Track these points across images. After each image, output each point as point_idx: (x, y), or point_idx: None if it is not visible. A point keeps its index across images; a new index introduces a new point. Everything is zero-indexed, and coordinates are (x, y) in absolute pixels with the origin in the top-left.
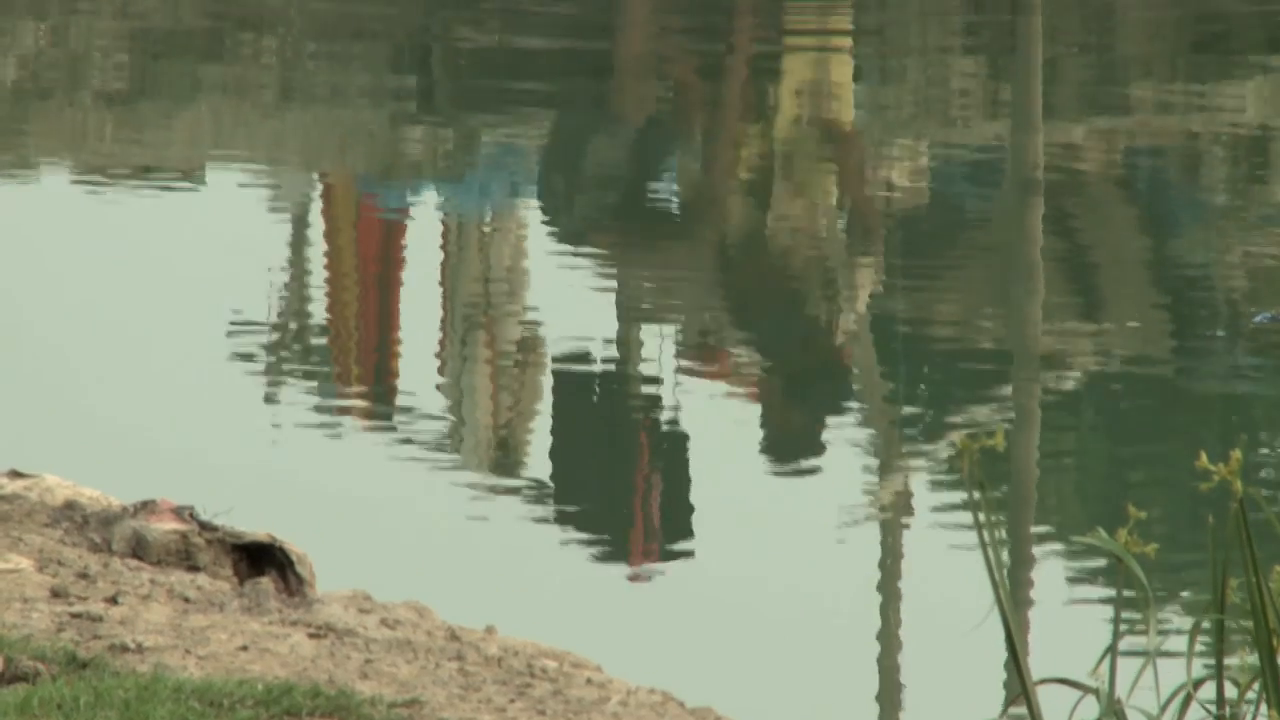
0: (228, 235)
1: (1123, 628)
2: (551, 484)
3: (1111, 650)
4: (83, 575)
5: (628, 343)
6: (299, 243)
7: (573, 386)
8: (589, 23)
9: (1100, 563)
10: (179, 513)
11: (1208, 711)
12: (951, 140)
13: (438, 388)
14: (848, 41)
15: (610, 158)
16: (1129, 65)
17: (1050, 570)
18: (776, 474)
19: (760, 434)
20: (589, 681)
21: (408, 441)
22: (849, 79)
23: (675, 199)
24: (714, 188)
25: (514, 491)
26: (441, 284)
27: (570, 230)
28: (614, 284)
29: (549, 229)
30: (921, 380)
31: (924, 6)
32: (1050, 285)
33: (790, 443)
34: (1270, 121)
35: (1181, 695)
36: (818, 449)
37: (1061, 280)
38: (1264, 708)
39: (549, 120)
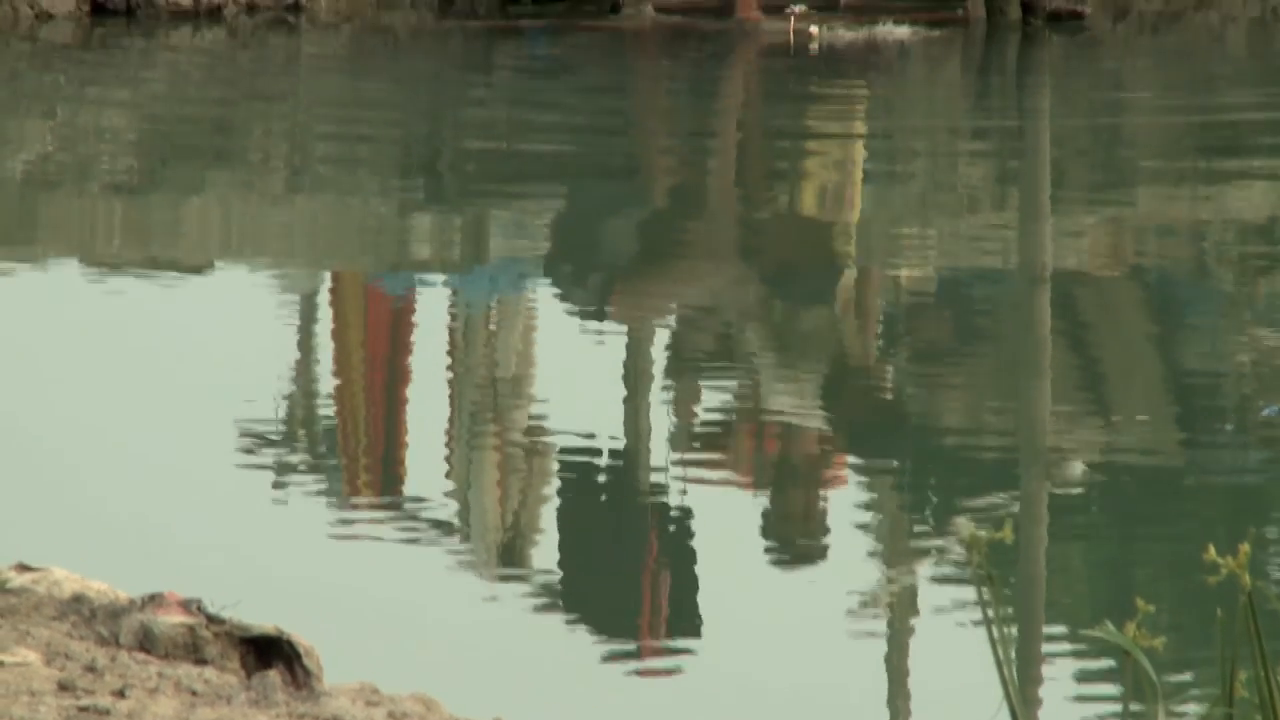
0: (236, 327)
1: None
2: (559, 574)
3: None
4: (90, 668)
5: (636, 431)
6: (306, 334)
7: (581, 475)
8: (600, 127)
9: (1109, 656)
10: (186, 606)
11: None
12: (959, 233)
13: (445, 477)
14: (858, 144)
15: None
16: (1137, 164)
17: (1059, 663)
18: (783, 564)
19: (767, 524)
20: None
21: (414, 532)
22: (858, 180)
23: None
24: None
25: (522, 581)
26: (449, 374)
27: (582, 303)
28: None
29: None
30: (929, 471)
31: (932, 109)
32: (1058, 377)
33: (797, 533)
34: (1279, 213)
35: None
36: (825, 540)
37: (1069, 372)
38: None
39: (559, 210)
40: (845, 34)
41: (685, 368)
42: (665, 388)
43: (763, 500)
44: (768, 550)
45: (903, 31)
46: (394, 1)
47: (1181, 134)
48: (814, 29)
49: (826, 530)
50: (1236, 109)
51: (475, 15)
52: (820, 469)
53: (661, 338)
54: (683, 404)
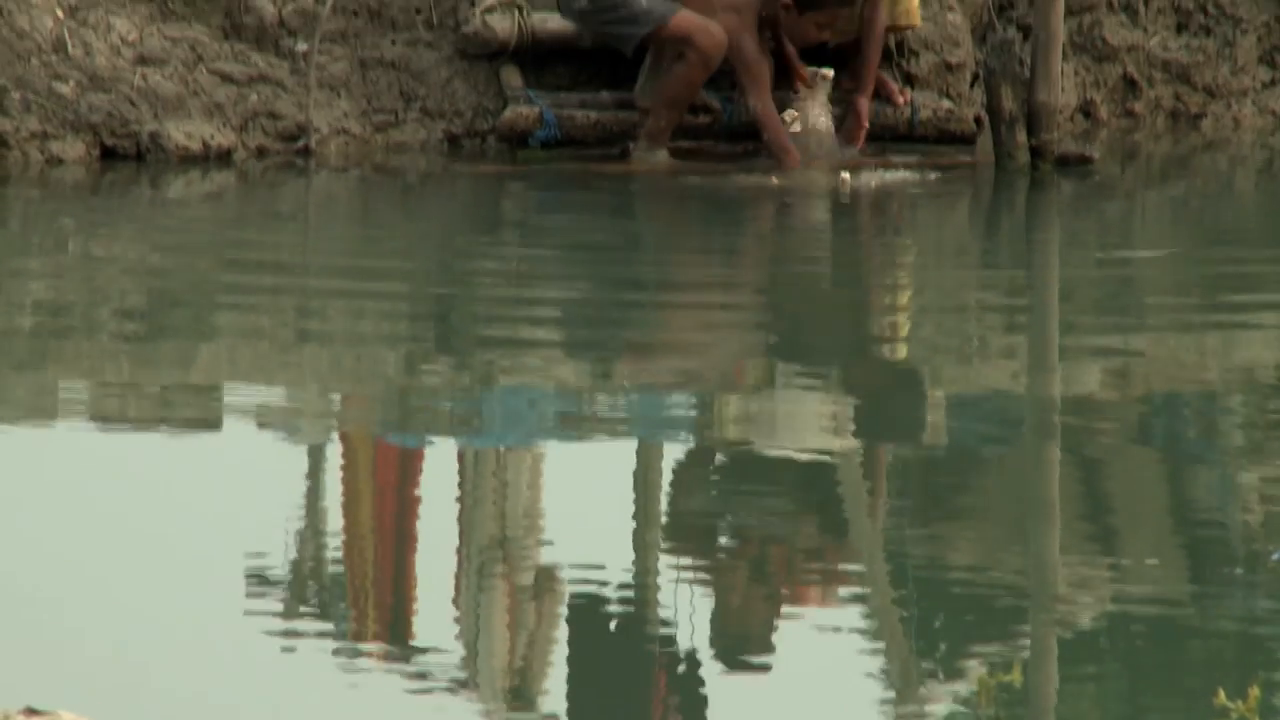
0: (243, 476)
1: None
2: (568, 716)
3: None
4: None
5: (645, 567)
6: (315, 481)
7: (589, 617)
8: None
9: None
10: None
11: None
12: (967, 382)
13: (454, 622)
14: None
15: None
16: (1146, 311)
17: None
18: (793, 705)
19: (777, 665)
20: None
21: (423, 677)
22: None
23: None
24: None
25: None
26: (458, 521)
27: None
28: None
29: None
30: (938, 616)
31: (940, 253)
32: (1067, 521)
33: (804, 675)
34: None
35: None
36: (831, 680)
37: (1078, 518)
38: None
39: (568, 366)
40: (872, 179)
41: (691, 498)
42: (673, 519)
43: (770, 638)
44: (777, 688)
45: (911, 176)
46: (403, 146)
47: (1191, 281)
48: (845, 175)
49: (833, 672)
50: (1247, 256)
51: (484, 159)
52: (828, 610)
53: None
54: (691, 535)
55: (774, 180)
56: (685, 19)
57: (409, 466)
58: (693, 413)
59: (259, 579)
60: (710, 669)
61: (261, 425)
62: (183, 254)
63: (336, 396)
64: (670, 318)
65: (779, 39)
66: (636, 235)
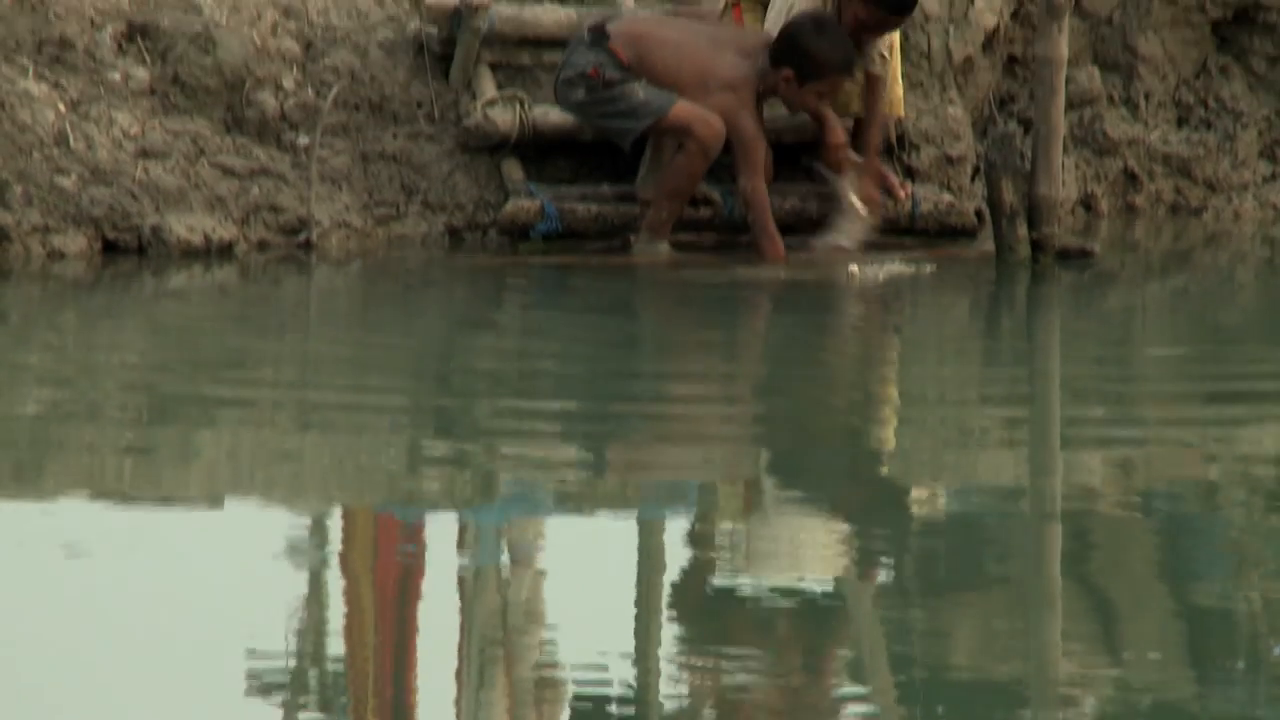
0: (244, 564)
1: None
2: None
3: None
4: None
5: (647, 662)
6: (316, 571)
7: (591, 713)
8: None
9: None
10: None
11: None
12: (968, 472)
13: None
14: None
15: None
16: (1147, 405)
17: None
18: None
19: None
20: None
21: None
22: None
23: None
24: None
25: None
26: (460, 616)
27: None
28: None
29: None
30: (938, 707)
31: (941, 345)
32: (1068, 612)
33: None
34: None
35: None
36: None
37: (1079, 610)
38: None
39: (571, 445)
40: (880, 272)
41: (691, 591)
42: (678, 616)
43: None
44: None
45: (912, 269)
46: (404, 239)
47: (1192, 376)
48: (854, 268)
49: None
50: (1248, 350)
51: (485, 251)
52: (826, 700)
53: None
54: (695, 633)
55: (780, 273)
56: (684, 110)
57: (409, 555)
58: (692, 518)
59: (258, 671)
60: None
61: (261, 516)
62: (183, 350)
63: (336, 494)
64: (669, 421)
65: (821, 117)
66: (637, 331)
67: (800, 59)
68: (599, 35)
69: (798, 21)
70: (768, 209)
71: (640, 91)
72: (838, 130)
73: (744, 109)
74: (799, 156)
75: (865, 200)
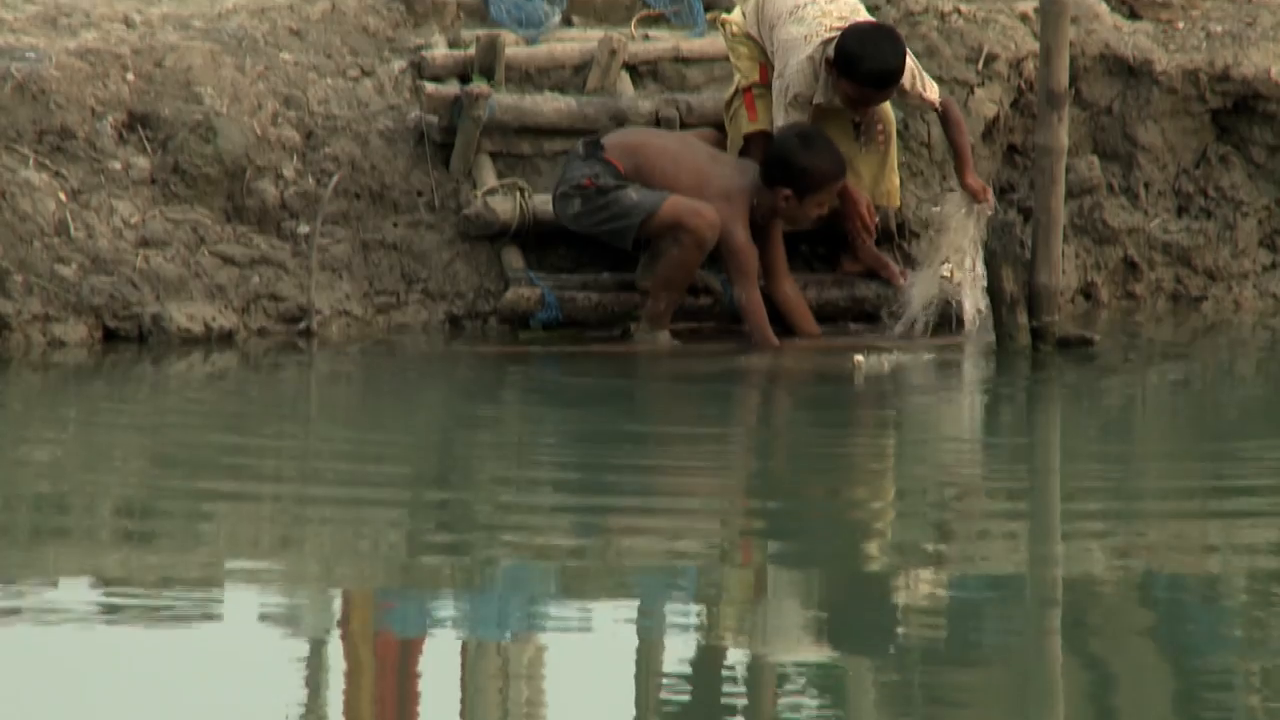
0: (244, 654)
1: None
2: None
3: None
4: None
5: None
6: (317, 661)
7: None
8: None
9: None
10: None
11: None
12: (969, 566)
13: None
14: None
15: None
16: (1148, 495)
17: None
18: None
19: None
20: None
21: None
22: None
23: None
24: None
25: None
26: (460, 704)
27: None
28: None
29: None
30: None
31: (940, 433)
32: (1068, 695)
33: None
34: None
35: None
36: None
37: (1080, 698)
38: None
39: (571, 533)
40: (885, 362)
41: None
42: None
43: None
44: None
45: (913, 358)
46: (405, 327)
47: (1194, 467)
48: (859, 358)
49: None
50: (1249, 442)
51: (485, 339)
52: None
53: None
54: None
55: (783, 361)
56: (675, 204)
57: (409, 656)
58: (691, 613)
59: None
60: None
61: (261, 618)
62: (183, 440)
63: (336, 588)
64: (669, 513)
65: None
66: (637, 422)
67: (795, 176)
68: (593, 147)
69: (784, 140)
70: (764, 316)
71: (633, 194)
72: (861, 201)
73: (737, 219)
74: (798, 246)
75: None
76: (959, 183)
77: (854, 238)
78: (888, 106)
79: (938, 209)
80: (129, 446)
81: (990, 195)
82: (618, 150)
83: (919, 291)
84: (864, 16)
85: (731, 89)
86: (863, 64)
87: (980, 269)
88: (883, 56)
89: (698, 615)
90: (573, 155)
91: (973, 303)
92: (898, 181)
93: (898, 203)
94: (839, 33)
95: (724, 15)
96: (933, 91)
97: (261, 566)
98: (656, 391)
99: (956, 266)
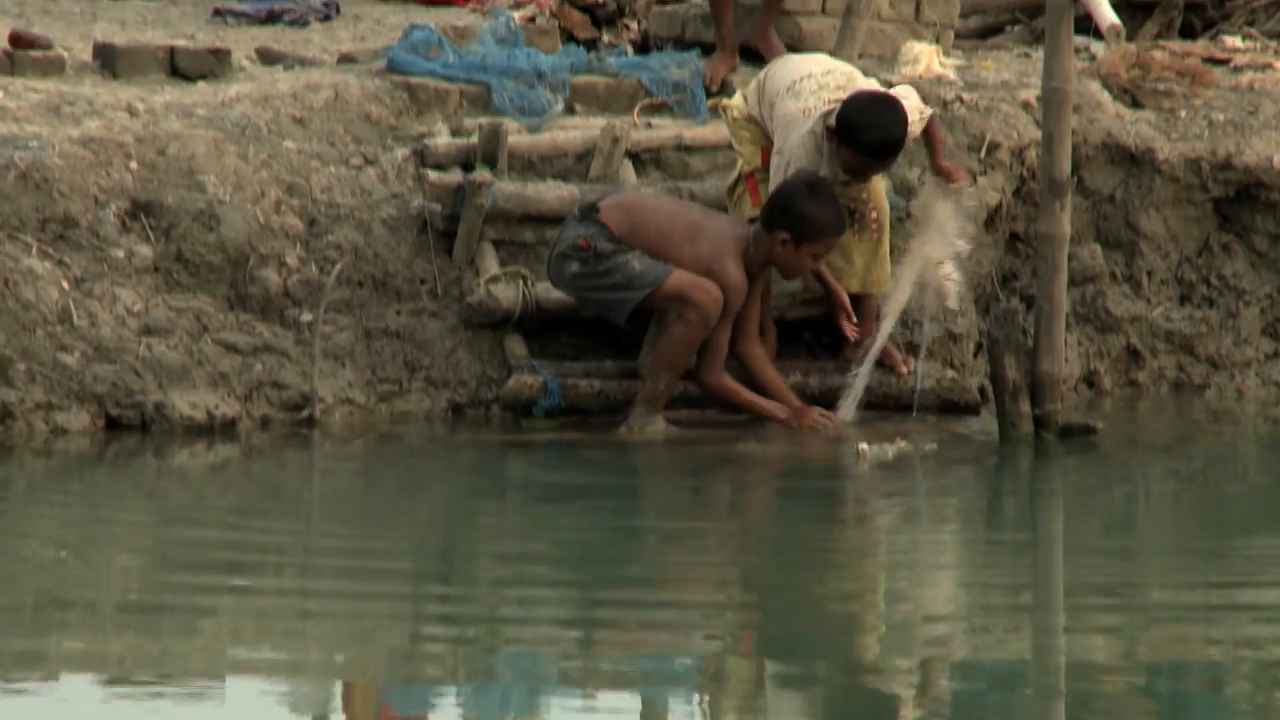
0: None
1: None
2: None
3: None
4: None
5: None
6: None
7: None
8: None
9: None
10: None
11: None
12: (973, 650)
13: None
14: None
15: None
16: (1151, 584)
17: None
18: None
19: None
20: None
21: None
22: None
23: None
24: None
25: None
26: None
27: None
28: None
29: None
30: None
31: (942, 522)
32: None
33: None
34: None
35: None
36: None
37: None
38: None
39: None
40: (889, 450)
41: None
42: None
43: None
44: None
45: (915, 447)
46: (407, 415)
47: (1196, 557)
48: (863, 446)
49: None
50: (1252, 533)
51: (488, 427)
52: None
53: None
54: None
55: (785, 449)
56: (680, 278)
57: None
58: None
59: None
60: None
61: (263, 694)
62: (185, 532)
63: (337, 679)
64: (670, 606)
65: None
66: (637, 513)
67: (795, 221)
68: (589, 210)
69: (790, 185)
70: (738, 390)
71: (635, 263)
72: (843, 294)
73: (729, 258)
74: (801, 333)
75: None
76: (932, 168)
77: (840, 328)
78: (883, 195)
79: (916, 200)
80: (130, 539)
81: (964, 174)
82: (613, 212)
83: (904, 277)
84: (861, 84)
85: (734, 174)
86: (865, 133)
87: (963, 249)
88: (885, 125)
89: (697, 708)
90: (569, 219)
91: (956, 287)
92: (889, 270)
93: (887, 289)
94: (838, 104)
95: (725, 100)
96: (923, 117)
97: (262, 659)
98: (657, 481)
99: (941, 251)
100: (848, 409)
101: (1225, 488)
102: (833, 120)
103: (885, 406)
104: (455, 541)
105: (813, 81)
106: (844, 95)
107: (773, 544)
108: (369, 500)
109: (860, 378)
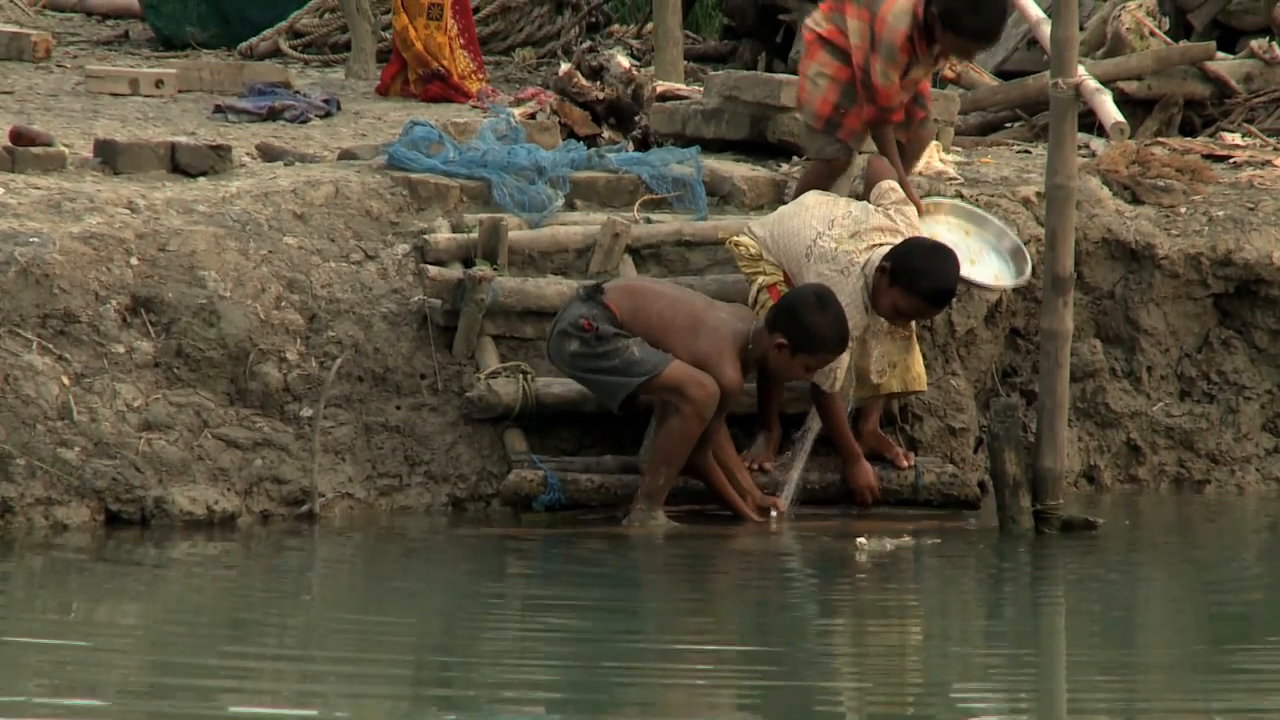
0: None
1: None
2: None
3: None
4: None
5: None
6: None
7: None
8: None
9: None
10: None
11: None
12: None
13: None
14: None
15: None
16: (1153, 677)
17: None
18: None
19: None
20: None
21: None
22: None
23: None
24: None
25: None
26: None
27: None
28: None
29: None
30: None
31: (945, 617)
32: None
33: None
34: None
35: None
36: None
37: None
38: None
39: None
40: (887, 544)
41: None
42: None
43: None
44: None
45: (916, 541)
46: (407, 510)
47: (1197, 658)
48: (861, 540)
49: None
50: (1250, 637)
51: (488, 523)
52: None
53: None
54: None
55: (783, 542)
56: (679, 369)
57: None
58: None
59: None
60: None
61: None
62: (183, 629)
63: None
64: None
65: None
66: (636, 607)
67: (796, 330)
68: (594, 291)
69: (801, 293)
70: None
71: (635, 349)
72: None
73: (726, 356)
74: (802, 427)
75: (860, 490)
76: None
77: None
78: None
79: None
80: (129, 636)
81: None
82: (617, 295)
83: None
84: (874, 223)
85: (755, 287)
86: (928, 279)
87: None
88: (946, 274)
89: None
90: (571, 298)
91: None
92: (922, 366)
93: (924, 386)
94: (869, 253)
95: (734, 238)
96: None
97: None
98: (657, 576)
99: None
100: (786, 497)
101: (1226, 588)
102: (871, 271)
103: (886, 501)
104: (454, 635)
105: (828, 241)
106: (864, 242)
107: (772, 635)
108: (369, 599)
109: (797, 467)
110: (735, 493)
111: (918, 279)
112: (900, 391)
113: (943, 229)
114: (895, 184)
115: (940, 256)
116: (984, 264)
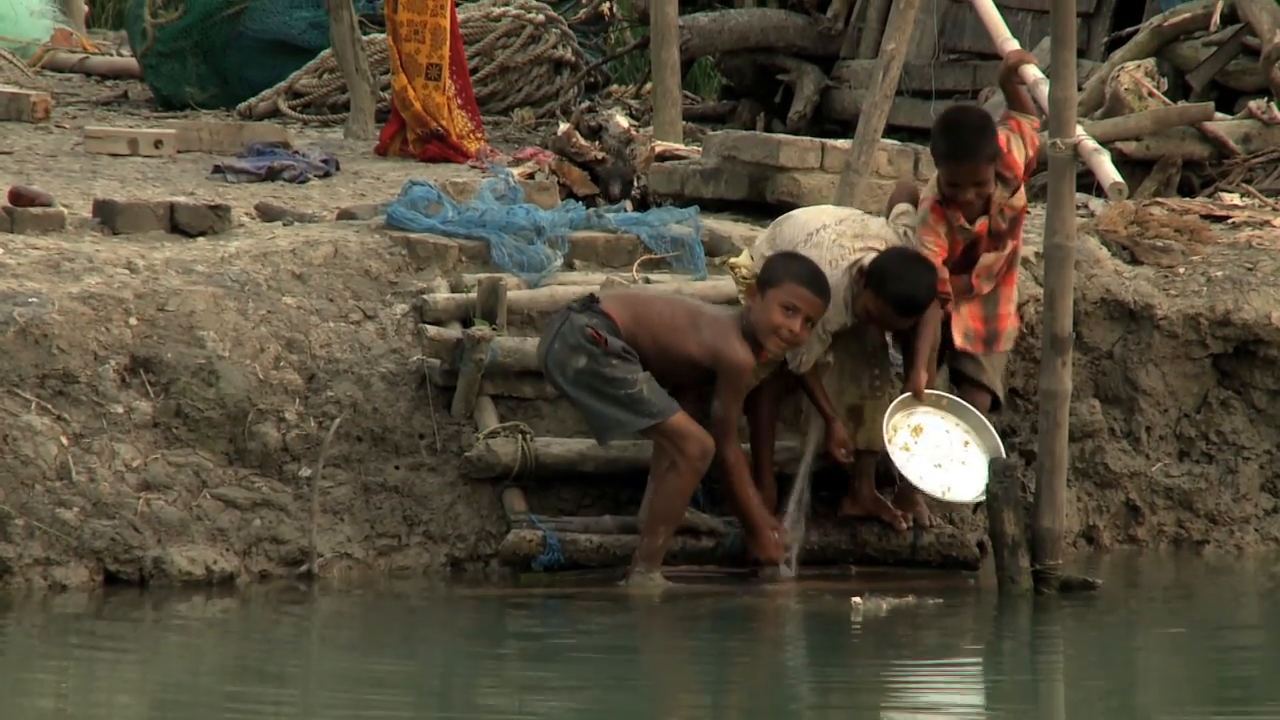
0: None
1: None
2: None
3: None
4: None
5: None
6: None
7: None
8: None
9: None
10: None
11: None
12: None
13: None
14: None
15: None
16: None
17: None
18: None
19: None
20: None
21: None
22: None
23: None
24: None
25: None
26: None
27: None
28: None
29: None
30: None
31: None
32: None
33: None
34: None
35: None
36: None
37: None
38: None
39: None
40: (883, 604)
41: None
42: None
43: None
44: None
45: (914, 602)
46: (406, 570)
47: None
48: (857, 600)
49: None
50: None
51: (487, 583)
52: None
53: None
54: None
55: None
56: (683, 420)
57: None
58: None
59: None
60: None
61: None
62: (183, 680)
63: None
64: None
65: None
66: (635, 670)
67: (766, 268)
68: (589, 301)
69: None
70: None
71: (644, 387)
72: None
73: (734, 337)
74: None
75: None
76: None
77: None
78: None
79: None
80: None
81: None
82: (613, 303)
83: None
84: (876, 230)
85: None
86: (899, 284)
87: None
88: (918, 283)
89: None
90: (561, 315)
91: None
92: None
93: (880, 448)
94: (862, 254)
95: (731, 260)
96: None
97: None
98: (656, 638)
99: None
100: (790, 519)
101: (1225, 650)
102: (856, 271)
103: (884, 562)
104: (453, 697)
105: (829, 232)
106: (861, 243)
107: (769, 696)
108: (368, 661)
109: (799, 490)
110: (757, 505)
111: (889, 282)
112: (863, 449)
113: (935, 419)
114: (910, 207)
115: (916, 265)
116: (970, 468)
